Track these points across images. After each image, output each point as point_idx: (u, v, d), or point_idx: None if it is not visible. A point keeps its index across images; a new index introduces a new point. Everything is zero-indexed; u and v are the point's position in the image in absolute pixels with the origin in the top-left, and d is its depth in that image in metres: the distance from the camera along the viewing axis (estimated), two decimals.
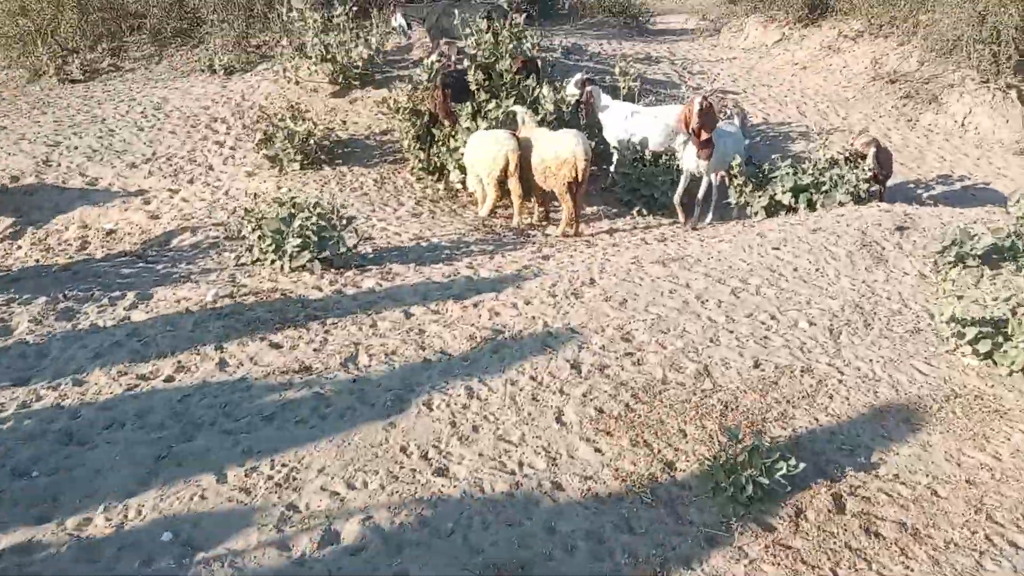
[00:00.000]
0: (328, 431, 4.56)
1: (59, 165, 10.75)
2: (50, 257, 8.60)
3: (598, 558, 3.66)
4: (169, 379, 5.16)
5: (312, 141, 10.61)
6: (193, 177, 10.44)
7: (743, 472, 4.05)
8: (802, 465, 4.17)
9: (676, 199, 9.51)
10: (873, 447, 4.57)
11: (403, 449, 4.43)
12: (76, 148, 11.26)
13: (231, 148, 11.32)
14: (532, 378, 5.20)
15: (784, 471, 4.11)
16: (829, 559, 3.70)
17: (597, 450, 4.46)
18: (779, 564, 3.65)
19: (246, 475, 4.19)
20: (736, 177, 9.46)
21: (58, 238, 9.18)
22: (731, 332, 5.95)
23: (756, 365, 5.46)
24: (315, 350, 5.51)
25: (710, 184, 9.62)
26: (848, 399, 5.07)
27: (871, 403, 5.04)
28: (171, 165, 10.79)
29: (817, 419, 4.86)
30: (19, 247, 8.99)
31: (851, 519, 3.97)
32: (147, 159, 10.95)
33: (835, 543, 3.81)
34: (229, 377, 5.17)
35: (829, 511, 4.03)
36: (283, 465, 4.27)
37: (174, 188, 10.13)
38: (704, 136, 8.97)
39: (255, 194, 9.53)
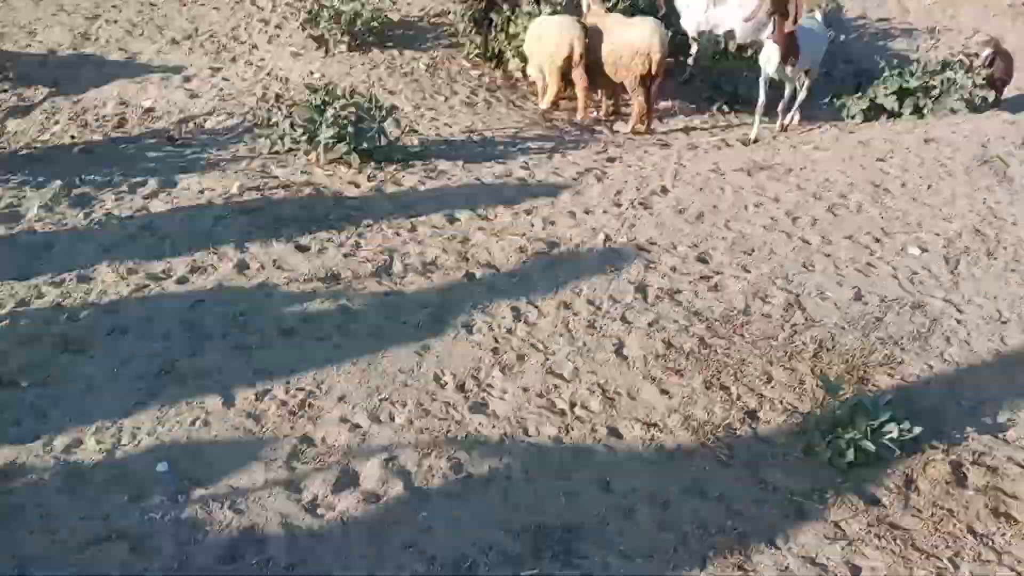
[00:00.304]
0: (353, 352, 4.02)
1: (98, 39, 10.21)
2: (86, 133, 8.19)
3: (661, 526, 3.08)
4: (182, 280, 4.66)
5: (360, 22, 9.80)
6: (236, 56, 9.80)
7: (844, 434, 3.39)
8: (918, 429, 3.49)
9: (757, 112, 8.24)
10: (1001, 405, 3.85)
11: (437, 378, 3.87)
12: (115, 22, 10.66)
13: (276, 27, 10.57)
14: (589, 302, 4.55)
15: (895, 435, 3.44)
16: (948, 546, 3.06)
17: (664, 392, 3.84)
18: (885, 548, 3.03)
19: (256, 399, 3.69)
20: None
21: (96, 114, 8.73)
22: (827, 256, 5.17)
23: (857, 297, 4.71)
24: (345, 255, 4.94)
25: (795, 89, 8.42)
26: (968, 343, 4.31)
27: (997, 350, 4.27)
28: (213, 42, 10.15)
29: (931, 366, 4.13)
30: (56, 122, 8.58)
31: (974, 495, 3.30)
32: (188, 35, 10.31)
33: (955, 525, 3.16)
34: (248, 282, 4.65)
35: (947, 483, 3.36)
36: (299, 389, 3.76)
37: (215, 66, 9.53)
38: (785, 28, 7.67)
39: (286, 78, 8.87)
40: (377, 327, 4.24)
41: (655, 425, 3.62)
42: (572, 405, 3.72)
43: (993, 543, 3.09)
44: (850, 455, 3.36)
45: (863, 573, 2.93)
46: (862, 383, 4.00)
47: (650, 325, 4.34)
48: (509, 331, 4.26)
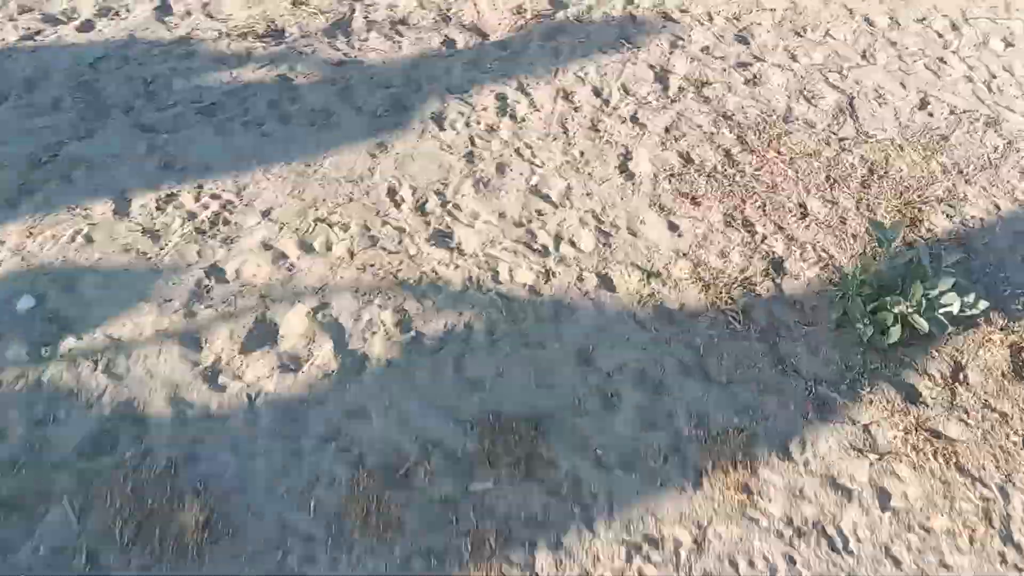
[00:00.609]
0: (288, 146, 3.05)
1: None
2: None
3: (650, 423, 2.37)
4: (86, 27, 3.53)
5: None
6: None
7: (892, 305, 2.58)
8: (984, 304, 2.68)
9: None
10: None
11: (392, 192, 2.95)
12: None
13: None
14: (596, 92, 3.48)
15: (955, 310, 2.63)
16: (997, 466, 2.40)
17: (673, 227, 2.95)
18: (923, 468, 2.36)
19: (158, 207, 2.80)
20: None
21: None
22: (893, 45, 3.99)
23: (923, 105, 3.64)
24: (294, 2, 3.75)
25: None
26: None
27: None
28: None
29: (998, 207, 3.23)
30: None
31: None
32: None
33: (1008, 437, 2.47)
34: (168, 33, 3.53)
35: (1002, 375, 2.63)
36: (213, 197, 2.85)
37: None
38: None
39: None
40: (323, 111, 3.23)
41: (657, 275, 2.78)
42: (557, 241, 2.85)
43: None
44: (895, 334, 2.58)
45: (893, 502, 2.28)
46: (914, 224, 3.12)
47: (667, 131, 3.33)
48: (490, 129, 3.25)
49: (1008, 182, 3.33)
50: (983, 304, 2.67)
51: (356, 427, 2.23)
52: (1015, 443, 2.45)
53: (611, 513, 2.15)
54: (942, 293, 2.63)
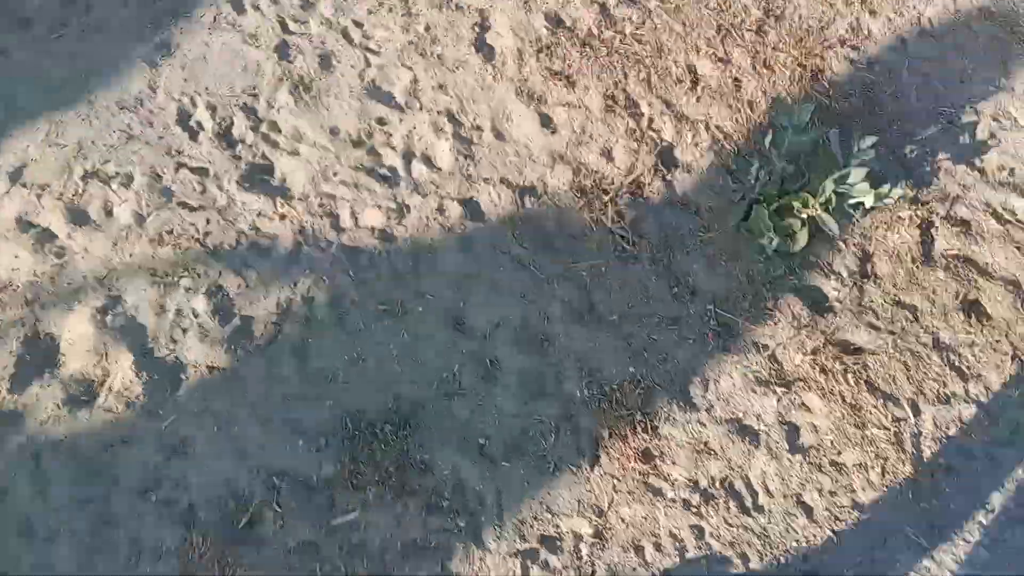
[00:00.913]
0: (33, 69, 2.22)
1: None
2: None
3: (536, 390, 1.96)
4: None
5: None
6: None
7: (800, 210, 2.17)
8: (899, 192, 2.29)
9: None
10: (979, 106, 2.65)
11: (184, 116, 2.19)
12: None
13: None
14: None
15: (870, 203, 2.25)
16: (909, 377, 2.15)
17: (545, 121, 2.37)
18: (831, 394, 2.10)
19: None
20: None
21: None
22: None
23: None
24: None
25: None
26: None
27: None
28: None
29: (903, 41, 2.77)
30: None
31: (943, 278, 2.29)
32: None
33: (918, 339, 2.21)
34: None
35: (913, 261, 2.33)
36: None
37: None
38: None
39: None
40: (75, 2, 2.36)
41: (531, 190, 2.26)
42: (408, 159, 2.24)
43: (960, 360, 2.20)
44: (803, 239, 2.21)
45: (802, 438, 2.03)
46: (816, 78, 2.65)
47: None
48: (305, 3, 2.47)
49: (914, 8, 2.84)
50: (898, 192, 2.31)
51: (179, 468, 1.75)
52: (925, 344, 2.21)
53: (501, 517, 1.81)
54: (853, 186, 2.23)
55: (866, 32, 2.76)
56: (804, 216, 2.15)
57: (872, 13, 2.81)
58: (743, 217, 2.20)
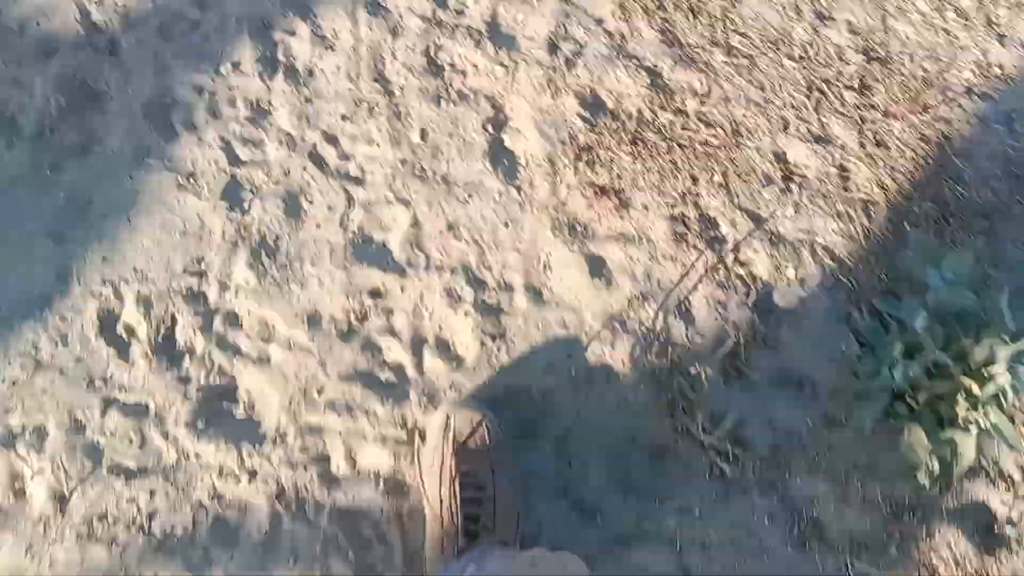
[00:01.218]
0: None
1: None
2: None
3: None
4: None
5: None
6: None
7: (967, 421, 1.53)
8: None
9: None
10: None
11: (106, 322, 1.59)
12: None
13: None
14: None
15: None
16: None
17: (596, 267, 1.70)
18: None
19: None
20: None
21: None
22: None
23: None
24: None
25: None
26: None
27: None
28: None
29: None
30: None
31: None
32: None
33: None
34: None
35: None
36: None
37: None
38: None
39: None
40: None
41: (588, 381, 1.64)
42: (417, 350, 1.60)
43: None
44: (969, 455, 1.56)
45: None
46: (943, 151, 1.97)
47: (552, 46, 1.90)
48: (256, 114, 1.77)
49: None
50: None
51: None
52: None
53: None
54: None
55: (998, 69, 2.06)
56: (971, 423, 1.53)
57: (1002, 39, 2.10)
58: (882, 414, 1.58)
